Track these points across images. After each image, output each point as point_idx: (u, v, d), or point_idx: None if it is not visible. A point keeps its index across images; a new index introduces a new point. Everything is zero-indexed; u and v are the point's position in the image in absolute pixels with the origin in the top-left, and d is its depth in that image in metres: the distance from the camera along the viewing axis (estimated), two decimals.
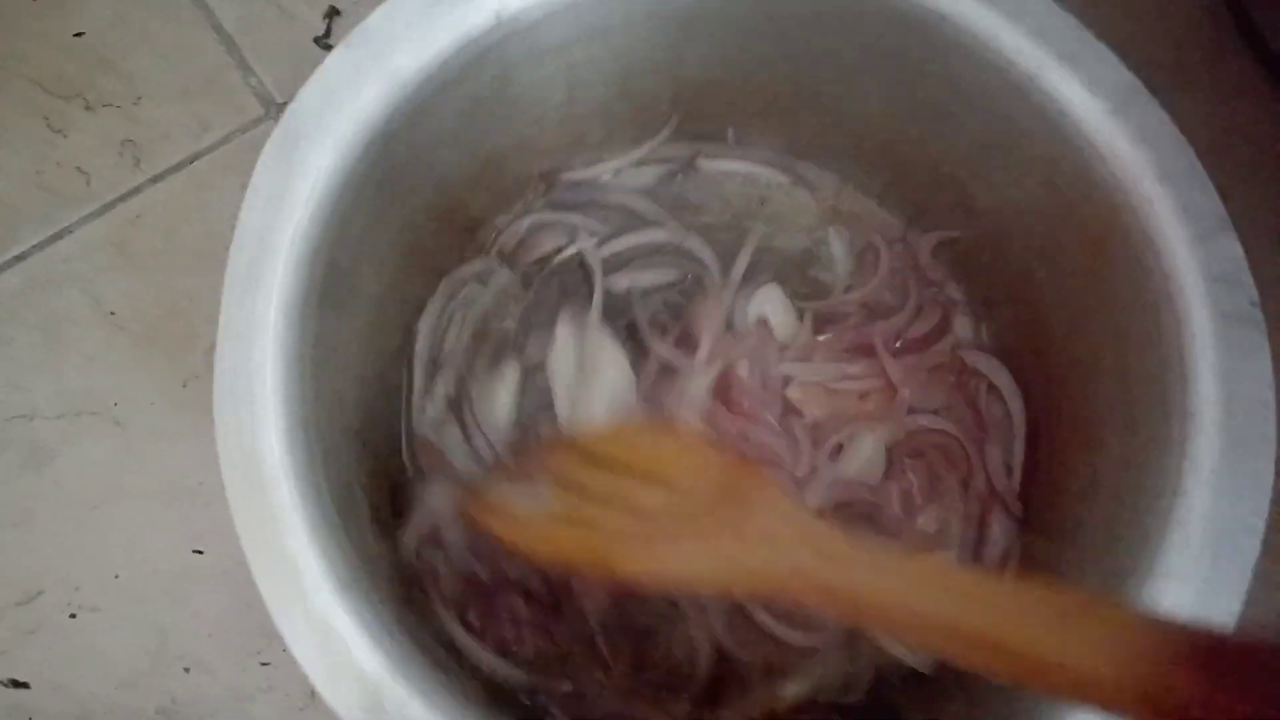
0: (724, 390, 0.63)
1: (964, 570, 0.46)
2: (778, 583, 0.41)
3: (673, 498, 0.46)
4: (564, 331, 0.64)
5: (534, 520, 0.49)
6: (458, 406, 0.64)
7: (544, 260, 0.68)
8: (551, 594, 0.61)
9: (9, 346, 0.80)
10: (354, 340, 0.57)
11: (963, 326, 0.68)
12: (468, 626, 0.59)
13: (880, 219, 0.71)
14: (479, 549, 0.61)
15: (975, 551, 0.62)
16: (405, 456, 0.65)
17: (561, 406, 0.64)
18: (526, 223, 0.69)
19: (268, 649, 0.75)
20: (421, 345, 0.66)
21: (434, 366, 0.66)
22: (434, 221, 0.63)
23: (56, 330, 0.80)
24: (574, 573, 0.56)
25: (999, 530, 0.62)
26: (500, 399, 0.64)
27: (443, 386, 0.65)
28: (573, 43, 0.59)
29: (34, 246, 0.82)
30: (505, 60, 0.57)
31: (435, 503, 0.62)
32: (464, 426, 0.64)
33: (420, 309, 0.66)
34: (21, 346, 0.80)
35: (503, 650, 0.59)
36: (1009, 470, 0.64)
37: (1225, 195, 0.52)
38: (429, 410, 0.64)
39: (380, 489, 0.62)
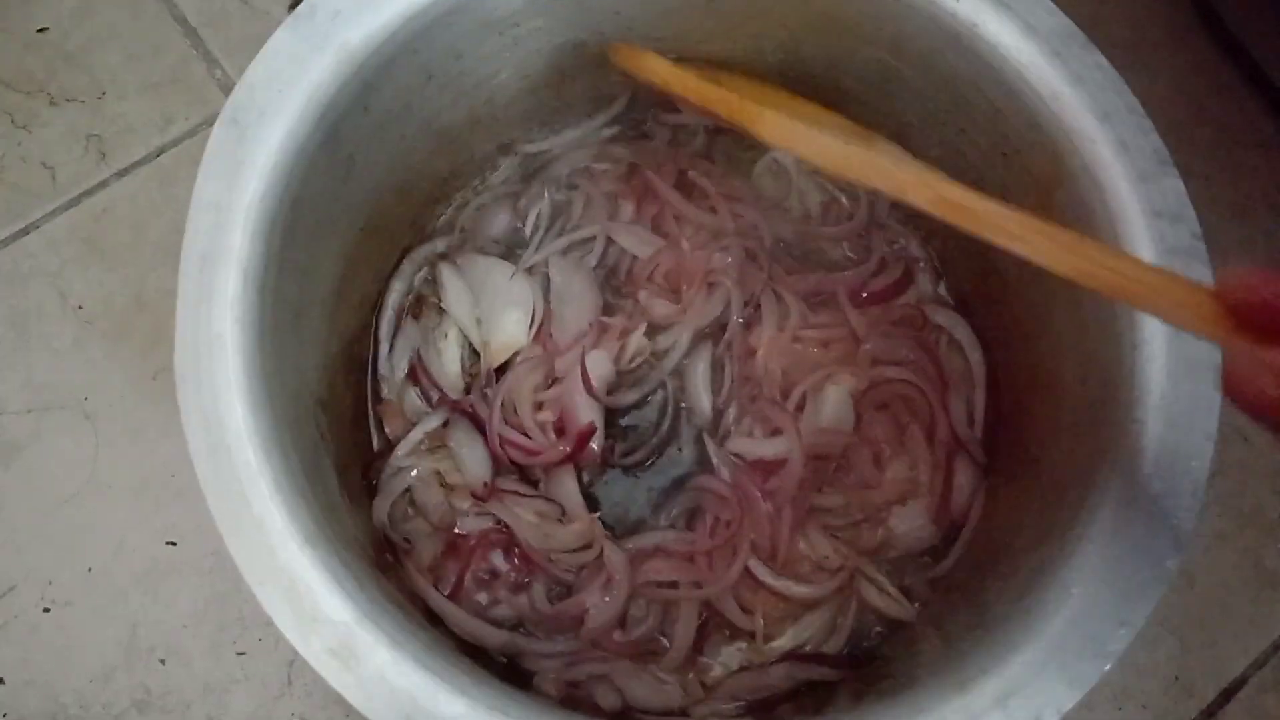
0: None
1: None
2: (897, 182, 0.48)
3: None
4: (446, 274, 0.67)
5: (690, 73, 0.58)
6: (414, 372, 0.65)
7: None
8: (525, 560, 0.61)
9: None
10: (318, 310, 0.58)
11: (924, 282, 0.69)
12: (443, 590, 0.60)
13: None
14: (454, 506, 0.62)
15: (943, 497, 0.63)
16: (372, 424, 0.65)
17: (472, 334, 0.66)
18: (476, 201, 0.70)
19: (242, 638, 0.75)
20: (387, 318, 0.66)
21: (395, 337, 0.66)
22: (393, 195, 0.64)
23: (24, 325, 0.80)
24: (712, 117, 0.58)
25: (964, 477, 0.63)
26: (448, 356, 0.66)
27: (402, 355, 0.66)
28: (520, 13, 0.60)
29: (0, 242, 0.82)
30: (454, 33, 0.58)
31: (406, 463, 0.63)
32: (422, 388, 0.64)
33: (384, 280, 0.67)
34: None
35: (478, 612, 0.60)
36: (971, 419, 0.65)
37: (1187, 172, 0.53)
38: (393, 376, 0.65)
39: (349, 461, 0.62)
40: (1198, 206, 0.53)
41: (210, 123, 0.87)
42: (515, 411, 0.64)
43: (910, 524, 0.63)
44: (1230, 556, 0.81)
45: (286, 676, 0.75)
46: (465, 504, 0.62)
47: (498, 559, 0.61)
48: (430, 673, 0.43)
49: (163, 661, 0.74)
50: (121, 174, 0.85)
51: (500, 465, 0.64)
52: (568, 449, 0.62)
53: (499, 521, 0.61)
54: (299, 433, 0.51)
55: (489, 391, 0.65)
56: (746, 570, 0.61)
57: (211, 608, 0.76)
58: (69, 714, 0.73)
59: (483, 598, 0.60)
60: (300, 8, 0.53)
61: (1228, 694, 0.78)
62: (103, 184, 0.85)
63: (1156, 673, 0.78)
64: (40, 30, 0.88)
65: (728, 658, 0.62)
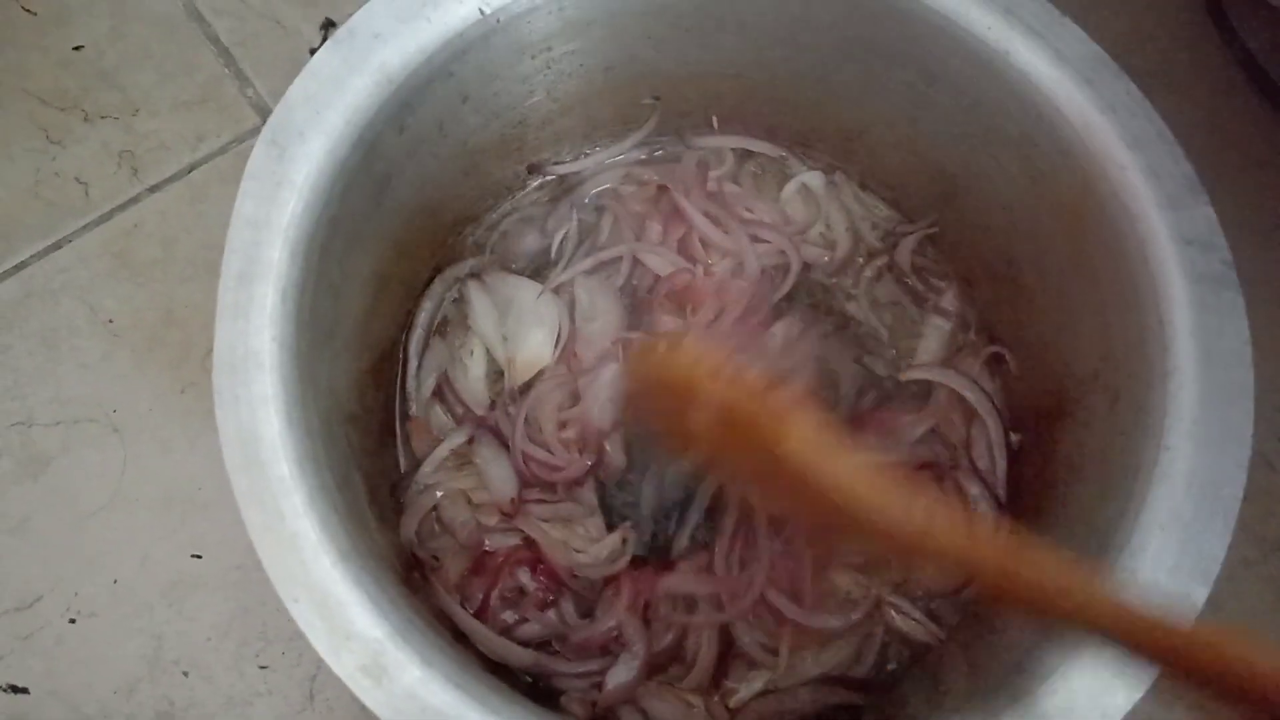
0: None
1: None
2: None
3: None
4: (473, 292, 0.68)
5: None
6: (440, 390, 0.66)
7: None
8: (551, 576, 0.62)
9: (7, 354, 0.81)
10: (350, 328, 0.58)
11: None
12: (469, 608, 0.60)
13: (865, 204, 0.72)
14: (481, 523, 0.62)
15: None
16: (399, 442, 0.65)
17: (498, 355, 0.67)
18: (506, 222, 0.71)
19: (265, 652, 0.76)
20: (416, 336, 0.67)
21: (423, 355, 0.67)
22: (425, 216, 0.65)
23: (54, 339, 0.81)
24: None
25: (985, 511, 0.63)
26: (474, 373, 0.67)
27: (430, 373, 0.66)
28: (554, 37, 0.60)
29: (33, 256, 0.83)
30: (490, 55, 0.59)
31: (432, 480, 0.63)
32: (448, 404, 0.65)
33: (414, 299, 0.67)
34: (19, 355, 0.81)
35: (505, 631, 0.60)
36: (992, 459, 0.65)
37: (1214, 196, 0.53)
38: (420, 394, 0.66)
39: (378, 479, 0.62)
40: (1224, 232, 0.53)
41: (241, 140, 0.88)
42: (540, 430, 0.65)
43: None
44: (1255, 584, 0.81)
45: (308, 691, 0.75)
46: (492, 520, 0.62)
47: (524, 576, 0.61)
48: (461, 691, 0.44)
49: (186, 674, 0.75)
50: (153, 190, 0.86)
51: (525, 481, 0.64)
52: (590, 462, 0.62)
53: (525, 538, 0.62)
54: (331, 449, 0.51)
55: (512, 409, 0.65)
56: (768, 604, 0.61)
57: (235, 621, 0.76)
58: None
59: (509, 616, 0.61)
60: (340, 30, 0.54)
61: None
62: (134, 200, 0.86)
63: (1180, 702, 0.77)
64: (76, 48, 0.90)
65: (751, 682, 0.61)
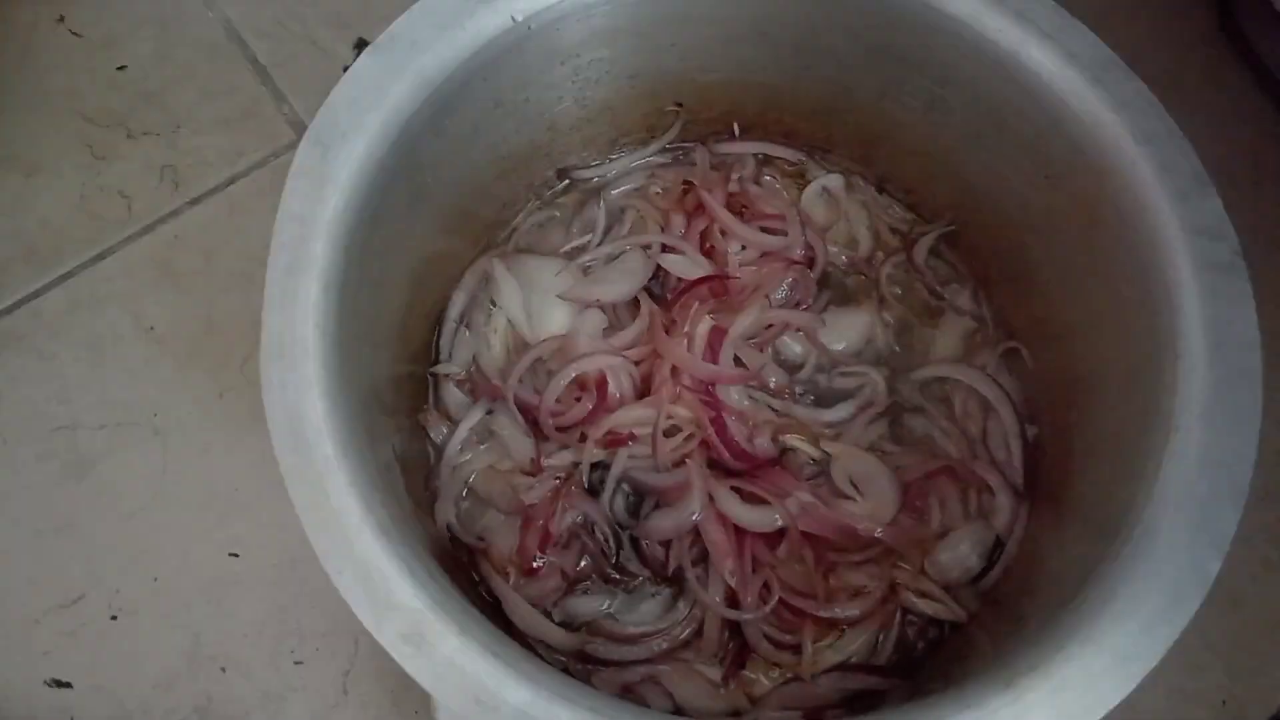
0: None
1: None
2: None
3: None
4: (499, 270, 0.70)
5: None
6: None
7: None
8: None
9: (53, 362, 0.84)
10: (388, 322, 0.61)
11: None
12: (535, 564, 0.63)
13: (883, 206, 0.75)
14: (516, 486, 0.65)
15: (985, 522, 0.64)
16: (430, 434, 0.68)
17: (522, 327, 0.70)
18: (533, 220, 0.74)
19: (300, 648, 0.77)
20: (448, 329, 0.69)
21: (453, 348, 0.70)
22: (460, 217, 0.67)
23: (100, 346, 0.84)
24: None
25: (1003, 499, 0.64)
26: (496, 350, 0.70)
27: (459, 365, 0.70)
28: (582, 45, 0.63)
29: (79, 266, 0.86)
30: (522, 62, 0.61)
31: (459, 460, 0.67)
32: (472, 382, 0.69)
33: (447, 297, 0.70)
34: (66, 362, 0.84)
35: (549, 604, 0.63)
36: (1008, 449, 0.66)
37: (1230, 210, 0.55)
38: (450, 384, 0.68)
39: (414, 472, 0.65)
40: (1243, 243, 0.54)
41: (278, 155, 0.91)
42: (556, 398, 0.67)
43: (954, 554, 0.64)
44: (1277, 584, 0.81)
45: (343, 686, 0.77)
46: (524, 480, 0.65)
47: (572, 511, 0.64)
48: (499, 659, 0.45)
49: (223, 670, 0.77)
50: (194, 203, 0.89)
51: (541, 438, 0.67)
52: (591, 405, 0.66)
53: (559, 476, 0.65)
54: (372, 435, 0.53)
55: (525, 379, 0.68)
56: (783, 602, 0.63)
57: (271, 618, 0.78)
58: (133, 719, 0.75)
59: (569, 562, 0.63)
60: (381, 37, 0.56)
61: (1277, 719, 0.77)
62: (175, 213, 0.89)
63: (1204, 699, 0.78)
64: (120, 68, 0.94)
65: (772, 671, 0.63)
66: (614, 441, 0.66)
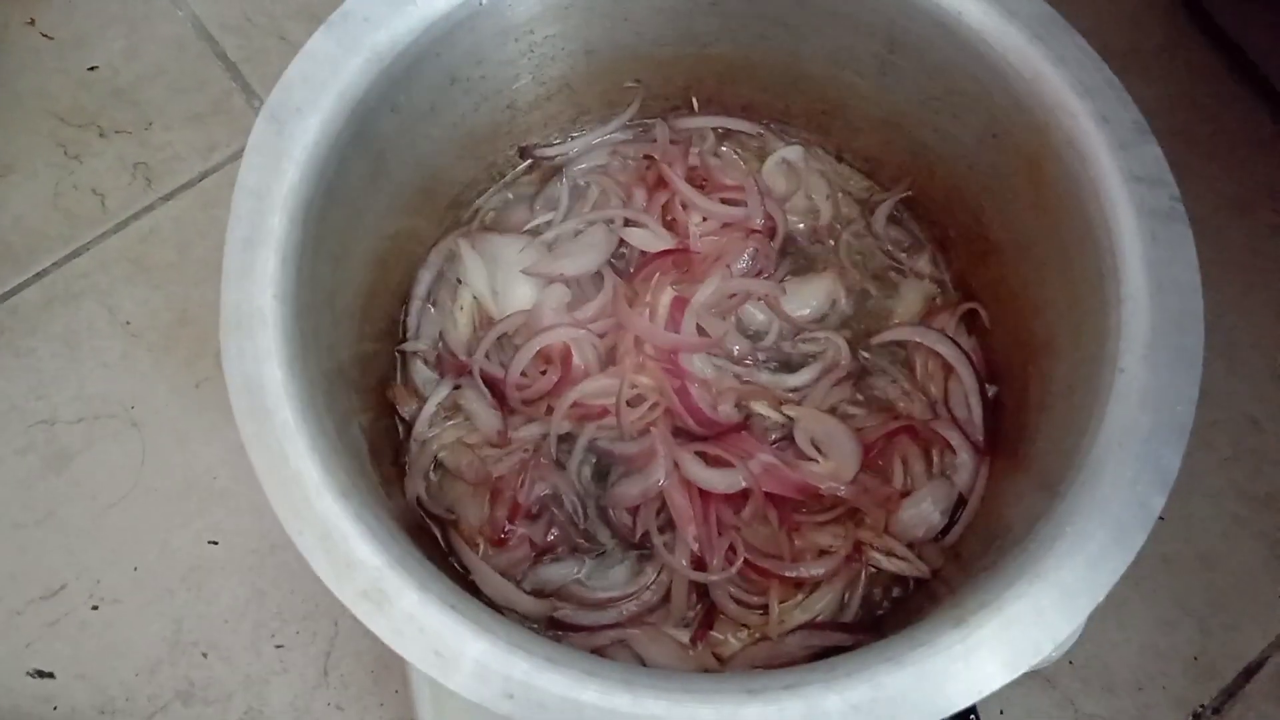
0: None
1: None
2: None
3: None
4: (464, 249, 0.71)
5: None
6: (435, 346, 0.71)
7: None
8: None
9: (31, 357, 0.85)
10: (351, 298, 0.62)
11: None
12: (503, 535, 0.64)
13: (842, 175, 0.76)
14: (483, 458, 0.66)
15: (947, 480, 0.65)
16: (399, 410, 0.68)
17: (488, 303, 0.71)
18: (497, 199, 0.75)
19: (280, 632, 0.78)
20: (415, 309, 0.70)
21: (420, 326, 0.71)
22: (420, 196, 0.68)
23: (76, 340, 0.85)
24: None
25: (965, 456, 0.66)
26: (462, 325, 0.71)
27: (426, 341, 0.70)
28: (535, 21, 0.64)
29: (53, 264, 0.87)
30: (475, 38, 0.62)
31: (428, 435, 0.68)
32: (439, 359, 0.70)
33: (411, 278, 0.71)
34: (43, 357, 0.85)
35: (512, 576, 0.64)
36: (968, 406, 0.67)
37: (1190, 171, 0.56)
38: (417, 362, 0.69)
39: (382, 446, 0.65)
40: (1202, 204, 0.55)
41: None
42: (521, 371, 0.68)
43: (917, 511, 0.65)
44: (1247, 541, 0.82)
45: (323, 668, 0.77)
46: (492, 453, 0.65)
47: (541, 482, 0.65)
48: (457, 613, 0.46)
49: (205, 655, 0.77)
50: (166, 199, 0.91)
51: (508, 412, 0.68)
52: (557, 378, 0.67)
53: (526, 449, 0.66)
54: (332, 403, 0.54)
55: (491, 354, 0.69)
56: (749, 563, 0.63)
57: (251, 604, 0.79)
58: (116, 706, 0.76)
59: (538, 533, 0.64)
60: (334, 15, 0.57)
61: (1248, 674, 0.78)
62: (149, 208, 0.90)
63: (1177, 655, 0.79)
64: (91, 69, 0.95)
65: (740, 632, 0.64)
66: (583, 417, 0.67)
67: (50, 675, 0.77)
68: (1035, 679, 0.77)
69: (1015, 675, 0.45)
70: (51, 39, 0.95)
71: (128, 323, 0.86)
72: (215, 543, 0.80)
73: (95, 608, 0.78)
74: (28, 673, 0.77)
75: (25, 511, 0.80)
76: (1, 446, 0.82)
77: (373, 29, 0.57)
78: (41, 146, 0.91)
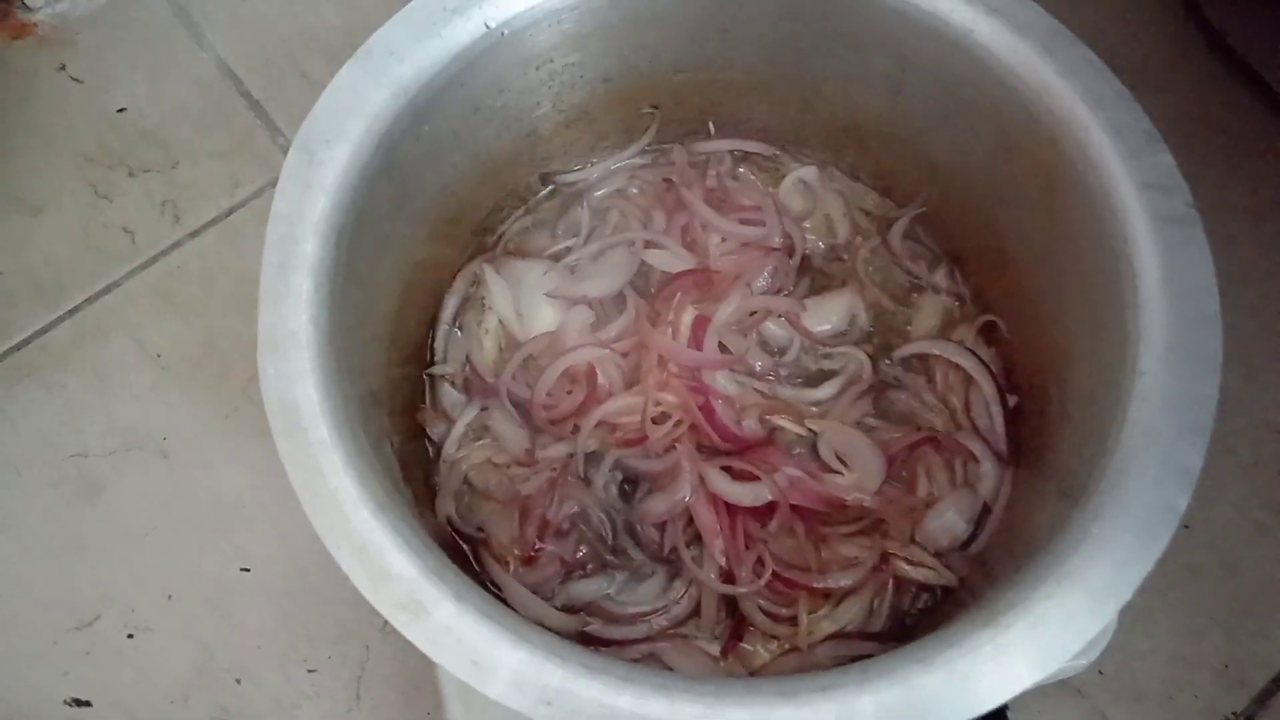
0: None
1: None
2: None
3: None
4: (489, 274, 0.73)
5: None
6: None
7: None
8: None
9: (63, 392, 0.86)
10: (380, 323, 0.63)
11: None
12: (532, 552, 0.65)
13: (858, 193, 0.77)
14: (513, 477, 0.67)
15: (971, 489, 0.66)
16: (429, 432, 0.70)
17: (513, 326, 0.72)
18: (519, 225, 0.77)
19: (312, 656, 0.79)
20: (441, 333, 0.72)
21: (447, 349, 0.73)
22: (447, 223, 0.70)
23: (106, 373, 0.87)
24: None
25: (989, 468, 0.66)
26: (488, 349, 0.72)
27: (454, 365, 0.72)
28: (555, 50, 0.66)
29: (85, 300, 0.89)
30: (497, 68, 0.64)
31: (457, 455, 0.69)
32: (467, 381, 0.71)
33: (440, 296, 0.73)
34: (75, 391, 0.86)
35: (543, 593, 0.64)
36: (990, 415, 0.68)
37: (1200, 179, 0.56)
38: (446, 384, 0.71)
39: (414, 468, 0.67)
40: (1214, 213, 0.56)
41: (274, 184, 0.93)
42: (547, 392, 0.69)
43: (941, 521, 0.66)
44: (1272, 549, 0.83)
45: (355, 692, 0.78)
46: (520, 472, 0.66)
47: (569, 500, 0.66)
48: (494, 623, 0.47)
49: (238, 681, 0.78)
50: (194, 234, 0.93)
51: (535, 431, 0.69)
52: (582, 397, 0.68)
53: (554, 468, 0.66)
54: (366, 422, 0.55)
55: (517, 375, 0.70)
56: (778, 575, 0.64)
57: (282, 629, 0.80)
58: None
59: (567, 550, 0.65)
60: (360, 50, 0.59)
61: (1278, 681, 0.78)
62: (177, 244, 0.92)
63: (1205, 664, 0.79)
64: (119, 110, 0.97)
65: (769, 644, 0.64)
66: (626, 442, 0.68)
67: (87, 704, 0.78)
68: (1066, 689, 0.77)
69: (1045, 674, 0.46)
70: (81, 83, 0.98)
71: (158, 355, 0.88)
72: (246, 569, 0.82)
73: (130, 636, 0.80)
74: (65, 701, 0.78)
75: (59, 542, 0.82)
76: (35, 479, 0.83)
77: (397, 62, 0.59)
78: (71, 186, 0.94)
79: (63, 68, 0.99)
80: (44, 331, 0.89)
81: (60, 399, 0.86)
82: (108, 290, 0.90)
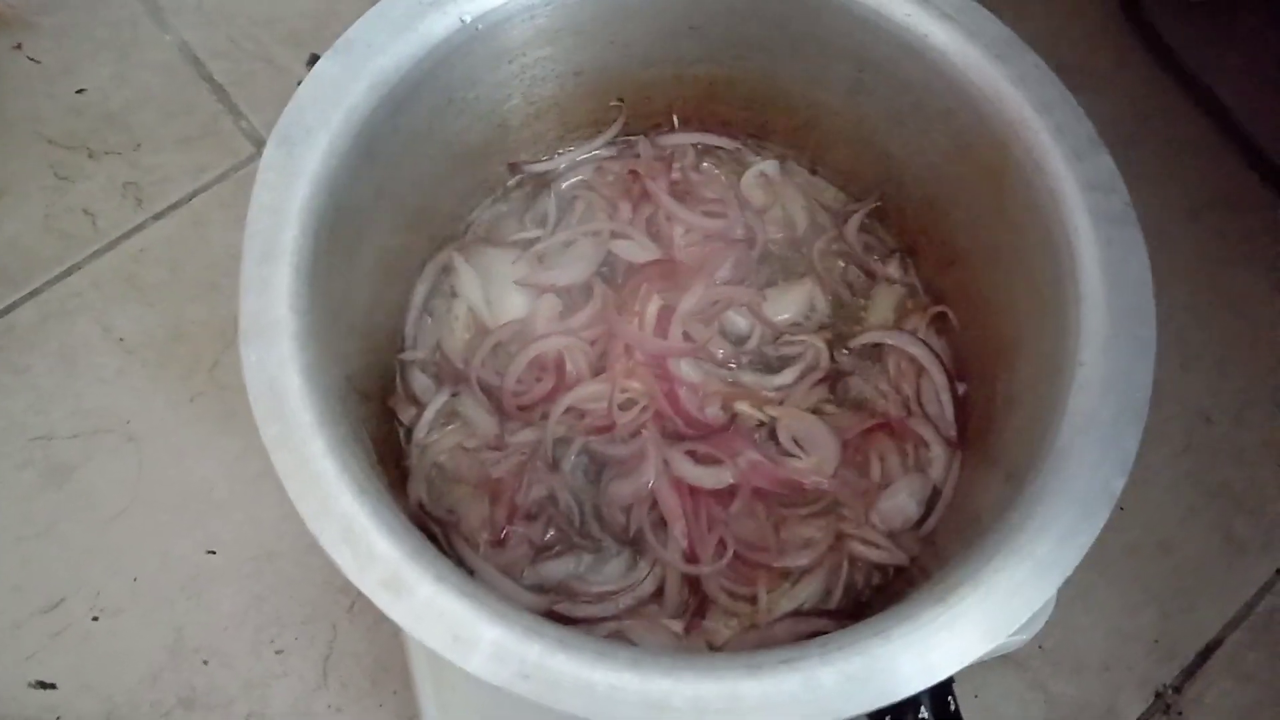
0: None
1: None
2: None
3: None
4: (458, 261, 0.75)
5: None
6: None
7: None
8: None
9: (28, 374, 0.86)
10: (358, 311, 0.65)
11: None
12: (502, 536, 0.67)
13: (817, 187, 0.80)
14: (483, 460, 0.69)
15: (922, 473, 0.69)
16: (400, 417, 0.71)
17: (482, 313, 0.74)
18: (489, 213, 0.79)
19: (280, 637, 0.80)
20: (411, 319, 0.73)
21: (418, 336, 0.74)
22: (420, 213, 0.71)
23: (72, 357, 0.87)
24: None
25: (939, 452, 0.70)
26: (459, 335, 0.74)
27: (424, 349, 0.73)
28: (528, 44, 0.68)
29: (47, 282, 0.89)
30: (471, 62, 0.66)
31: (428, 440, 0.70)
32: (438, 367, 0.73)
33: (409, 291, 0.74)
34: (39, 374, 0.86)
35: (519, 572, 0.66)
36: (940, 403, 0.71)
37: (1141, 180, 0.60)
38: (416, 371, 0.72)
39: (386, 454, 0.68)
40: (1152, 210, 0.60)
41: (238, 169, 0.95)
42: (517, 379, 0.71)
43: (894, 503, 0.69)
44: (1202, 529, 0.87)
45: (322, 671, 0.80)
46: (491, 455, 0.68)
47: (538, 484, 0.68)
48: (473, 600, 0.49)
49: (206, 662, 0.79)
50: (157, 218, 0.93)
51: (505, 417, 0.70)
52: (551, 384, 0.70)
53: (523, 453, 0.69)
54: (345, 410, 0.57)
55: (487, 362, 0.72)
56: (738, 555, 0.67)
57: (250, 610, 0.81)
58: (120, 714, 0.78)
59: (536, 532, 0.67)
60: (339, 40, 0.60)
61: (1205, 654, 0.83)
62: (140, 227, 0.92)
63: (1140, 638, 0.83)
64: (79, 92, 0.97)
65: (731, 621, 0.67)
66: (594, 428, 0.70)
67: (53, 686, 0.78)
68: (1008, 663, 0.81)
69: (995, 643, 0.49)
70: (39, 63, 0.97)
71: (122, 339, 0.88)
72: (213, 552, 0.82)
73: (96, 619, 0.80)
74: (30, 684, 0.78)
75: (26, 525, 0.82)
76: (1, 462, 0.83)
77: (376, 54, 0.60)
78: (32, 169, 0.93)
79: (19, 47, 0.98)
80: (7, 311, 0.88)
81: (25, 381, 0.86)
82: (70, 273, 0.90)
